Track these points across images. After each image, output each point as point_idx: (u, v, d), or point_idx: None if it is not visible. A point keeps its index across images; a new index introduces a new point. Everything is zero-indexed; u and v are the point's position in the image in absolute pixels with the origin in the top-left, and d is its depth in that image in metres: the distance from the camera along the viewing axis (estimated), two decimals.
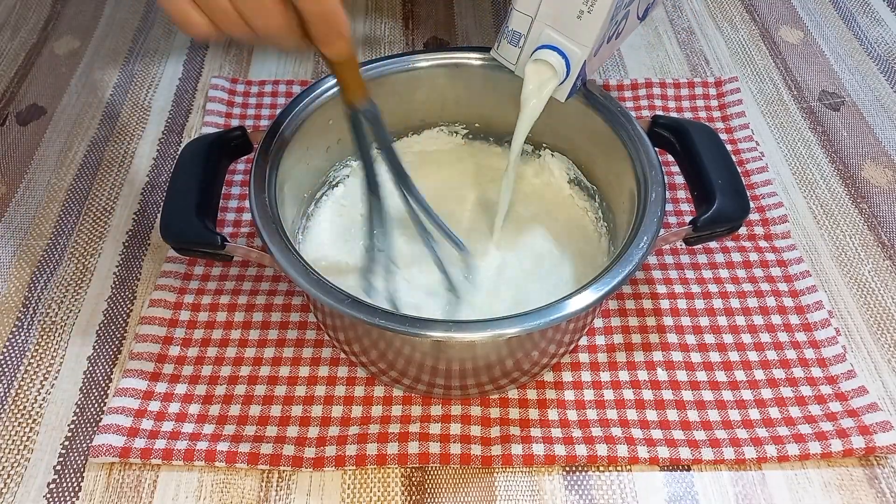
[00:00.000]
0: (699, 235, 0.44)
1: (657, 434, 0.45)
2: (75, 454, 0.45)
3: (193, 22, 0.35)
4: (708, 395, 0.47)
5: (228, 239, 0.41)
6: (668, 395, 0.47)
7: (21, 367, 0.49)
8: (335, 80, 0.41)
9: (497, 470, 0.44)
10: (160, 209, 0.57)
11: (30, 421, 0.46)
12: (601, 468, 0.45)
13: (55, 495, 0.43)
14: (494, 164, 0.54)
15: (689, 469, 0.45)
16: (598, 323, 0.51)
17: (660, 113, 0.65)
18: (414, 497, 0.43)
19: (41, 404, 0.47)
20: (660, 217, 0.42)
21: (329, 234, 0.49)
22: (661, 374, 0.48)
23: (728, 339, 0.50)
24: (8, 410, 0.47)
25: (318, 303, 0.42)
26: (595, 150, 0.51)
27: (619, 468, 0.45)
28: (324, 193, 0.52)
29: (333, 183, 0.52)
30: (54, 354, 0.49)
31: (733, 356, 0.49)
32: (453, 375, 0.43)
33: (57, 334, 0.50)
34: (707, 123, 0.64)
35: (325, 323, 0.45)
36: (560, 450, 0.44)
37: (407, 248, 0.48)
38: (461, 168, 0.54)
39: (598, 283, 0.39)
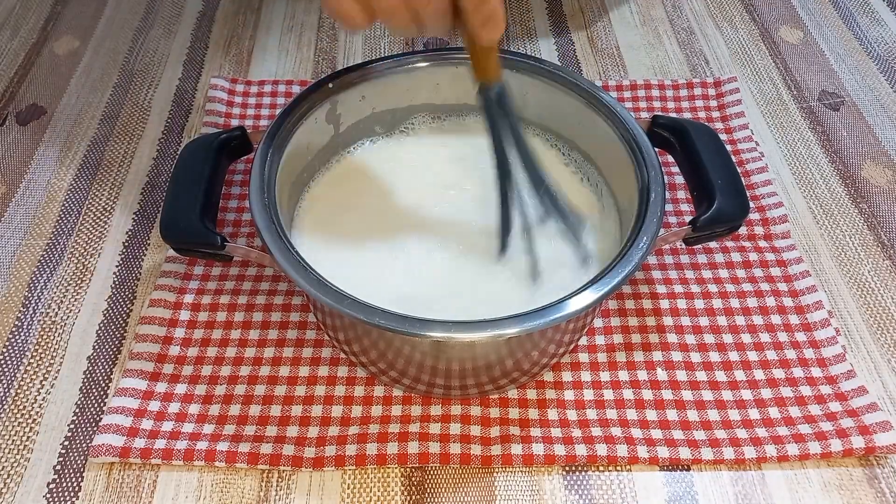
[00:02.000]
0: (699, 235, 0.44)
1: (657, 434, 0.45)
2: (75, 454, 0.45)
3: (350, 15, 0.38)
4: (707, 395, 0.47)
5: (228, 239, 0.41)
6: (667, 394, 0.47)
7: (21, 367, 0.49)
8: (469, 59, 0.43)
9: (497, 470, 0.44)
10: (160, 209, 0.57)
11: (30, 421, 0.46)
12: (601, 468, 0.45)
13: (55, 495, 0.43)
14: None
15: (688, 469, 0.45)
16: (598, 323, 0.51)
17: (659, 113, 0.65)
18: (414, 497, 0.43)
19: (41, 404, 0.47)
20: (659, 217, 0.42)
21: (323, 230, 0.49)
22: (661, 374, 0.48)
23: (728, 338, 0.50)
24: (8, 410, 0.47)
25: (317, 303, 0.42)
26: (596, 150, 0.51)
27: (618, 468, 0.45)
28: (315, 185, 0.52)
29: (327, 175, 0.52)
30: (54, 354, 0.49)
31: (733, 356, 0.49)
32: (453, 375, 0.43)
33: (57, 334, 0.50)
34: (707, 123, 0.65)
35: (325, 323, 0.45)
36: (560, 449, 0.44)
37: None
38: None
39: (597, 283, 0.39)
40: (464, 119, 0.55)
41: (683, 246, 0.52)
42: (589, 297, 0.38)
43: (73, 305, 0.52)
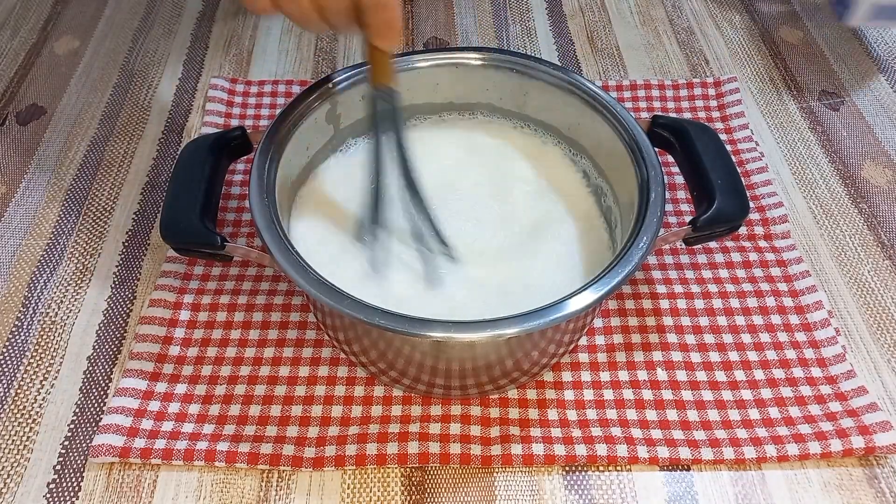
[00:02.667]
0: (699, 235, 0.44)
1: (657, 434, 0.45)
2: (75, 454, 0.45)
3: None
4: (707, 395, 0.47)
5: (228, 239, 0.41)
6: (667, 394, 0.47)
7: (21, 367, 0.49)
8: (365, 64, 0.46)
9: (497, 470, 0.44)
10: (160, 209, 0.57)
11: (30, 421, 0.46)
12: (601, 468, 0.45)
13: (55, 495, 0.43)
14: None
15: (688, 469, 0.45)
16: (598, 323, 0.51)
17: (659, 113, 0.65)
18: (414, 497, 0.43)
19: (41, 404, 0.47)
20: (659, 217, 0.42)
21: (320, 227, 0.49)
22: (661, 374, 0.48)
23: (728, 338, 0.50)
24: (8, 410, 0.47)
25: (318, 303, 0.42)
26: (596, 150, 0.51)
27: (618, 468, 0.45)
28: (312, 184, 0.52)
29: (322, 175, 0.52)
30: (54, 354, 0.49)
31: (733, 356, 0.49)
32: (453, 375, 0.43)
33: (57, 334, 0.50)
34: (707, 124, 0.64)
35: (325, 323, 0.45)
36: (560, 450, 0.44)
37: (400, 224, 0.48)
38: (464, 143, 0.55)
39: (597, 283, 0.39)
40: (463, 117, 0.55)
41: (683, 246, 0.52)
42: (589, 297, 0.38)
43: (73, 305, 0.52)
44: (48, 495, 0.43)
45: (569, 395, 0.47)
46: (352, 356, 0.46)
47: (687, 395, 0.47)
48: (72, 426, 0.46)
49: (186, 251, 0.44)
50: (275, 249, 0.40)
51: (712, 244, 0.55)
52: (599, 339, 0.50)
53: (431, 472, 0.44)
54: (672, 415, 0.46)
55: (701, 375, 0.48)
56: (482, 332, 0.37)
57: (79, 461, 0.44)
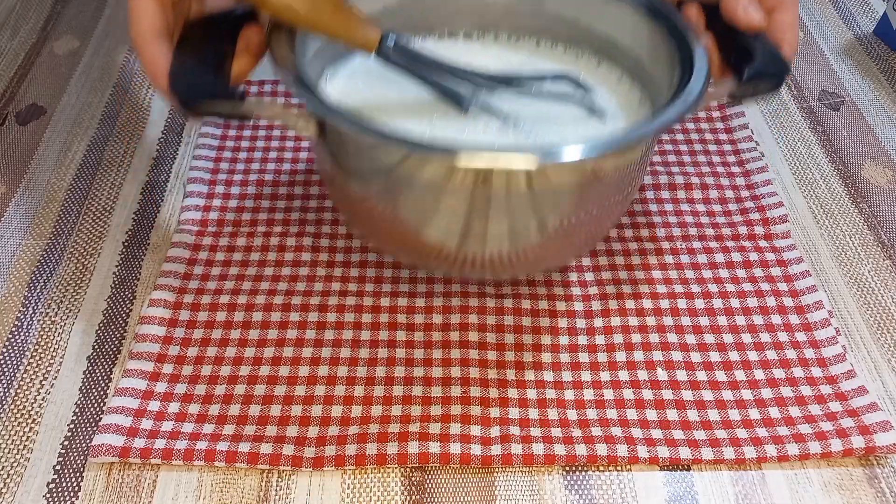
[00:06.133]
0: (745, 89, 0.42)
1: (657, 434, 0.45)
2: (75, 454, 0.45)
3: None
4: (708, 395, 0.47)
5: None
6: (667, 394, 0.47)
7: (21, 367, 0.49)
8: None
9: (497, 470, 0.44)
10: (160, 208, 0.57)
11: (29, 421, 0.46)
12: (601, 468, 0.45)
13: (55, 495, 0.43)
14: None
15: (688, 469, 0.45)
16: (598, 322, 0.51)
17: None
18: (414, 497, 0.43)
19: (41, 404, 0.47)
20: (708, 70, 0.41)
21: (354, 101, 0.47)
22: (661, 374, 0.48)
23: (728, 338, 0.50)
24: (7, 410, 0.47)
25: (347, 147, 0.39)
26: (618, 32, 0.50)
27: (618, 468, 0.45)
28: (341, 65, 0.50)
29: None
30: (54, 354, 0.49)
31: (733, 356, 0.49)
32: (489, 239, 0.41)
33: (57, 334, 0.50)
34: (706, 124, 0.65)
35: (346, 193, 0.43)
36: (560, 449, 0.44)
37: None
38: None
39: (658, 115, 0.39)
40: (472, 37, 0.54)
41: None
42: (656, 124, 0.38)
43: (73, 305, 0.52)
44: (48, 495, 0.43)
45: (569, 394, 0.47)
46: (364, 230, 0.43)
47: (687, 394, 0.47)
48: (72, 426, 0.46)
49: (197, 108, 0.38)
50: (296, 91, 0.37)
51: (712, 244, 0.55)
52: (599, 339, 0.50)
53: (431, 473, 0.44)
54: (672, 415, 0.46)
55: (701, 375, 0.48)
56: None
57: (79, 461, 0.44)
